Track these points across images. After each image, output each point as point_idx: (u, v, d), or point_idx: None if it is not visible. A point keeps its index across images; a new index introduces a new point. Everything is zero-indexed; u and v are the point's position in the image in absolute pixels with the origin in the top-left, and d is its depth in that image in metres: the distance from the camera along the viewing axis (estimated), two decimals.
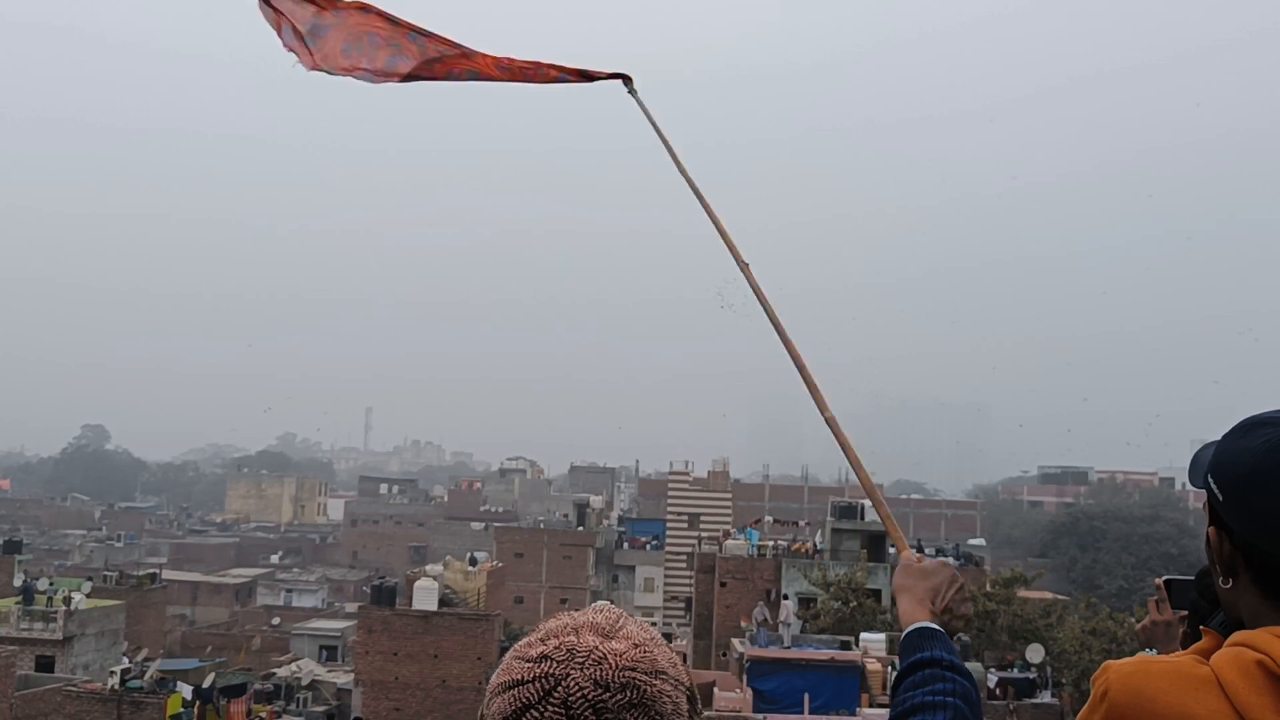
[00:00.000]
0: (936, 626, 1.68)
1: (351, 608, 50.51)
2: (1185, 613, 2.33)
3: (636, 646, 1.12)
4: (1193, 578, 2.30)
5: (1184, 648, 2.15)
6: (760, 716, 24.90)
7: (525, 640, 1.15)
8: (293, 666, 36.69)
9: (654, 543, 62.25)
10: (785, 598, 34.35)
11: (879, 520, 39.33)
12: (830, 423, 2.05)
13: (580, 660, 1.09)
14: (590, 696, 1.07)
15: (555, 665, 1.09)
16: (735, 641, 30.71)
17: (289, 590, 63.61)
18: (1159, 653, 2.31)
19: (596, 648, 1.10)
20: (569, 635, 1.12)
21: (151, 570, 52.28)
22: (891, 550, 38.43)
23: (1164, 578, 2.46)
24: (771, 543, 40.05)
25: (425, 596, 34.76)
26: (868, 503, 41.10)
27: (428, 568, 42.14)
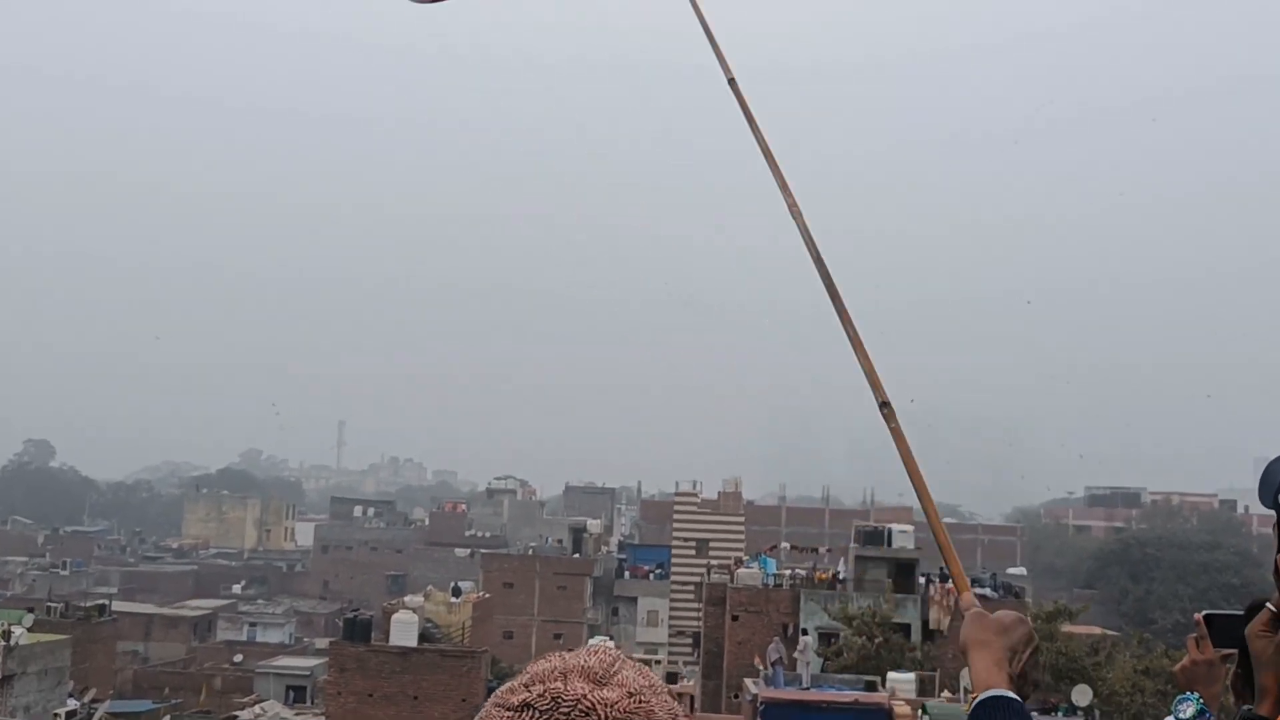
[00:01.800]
0: (1015, 696, 1.64)
1: (322, 643, 50.86)
2: (1231, 651, 2.25)
3: (631, 695, 1.09)
4: (1240, 611, 2.21)
5: (1233, 690, 2.09)
6: None
7: (508, 685, 1.12)
8: (257, 709, 36.64)
9: (658, 571, 62.46)
10: (804, 633, 34.30)
11: (908, 548, 39.69)
12: (886, 413, 2.03)
13: (566, 710, 1.06)
14: None
15: (538, 716, 1.06)
16: (748, 682, 30.83)
17: (253, 624, 63.72)
18: (1200, 696, 2.26)
19: (585, 696, 1.07)
20: (556, 681, 1.09)
21: (100, 601, 52.20)
22: (923, 580, 38.37)
23: (1204, 612, 2.38)
24: (789, 571, 40.15)
25: (404, 631, 34.77)
26: (896, 527, 41.67)
27: (407, 599, 42.14)
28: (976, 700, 1.64)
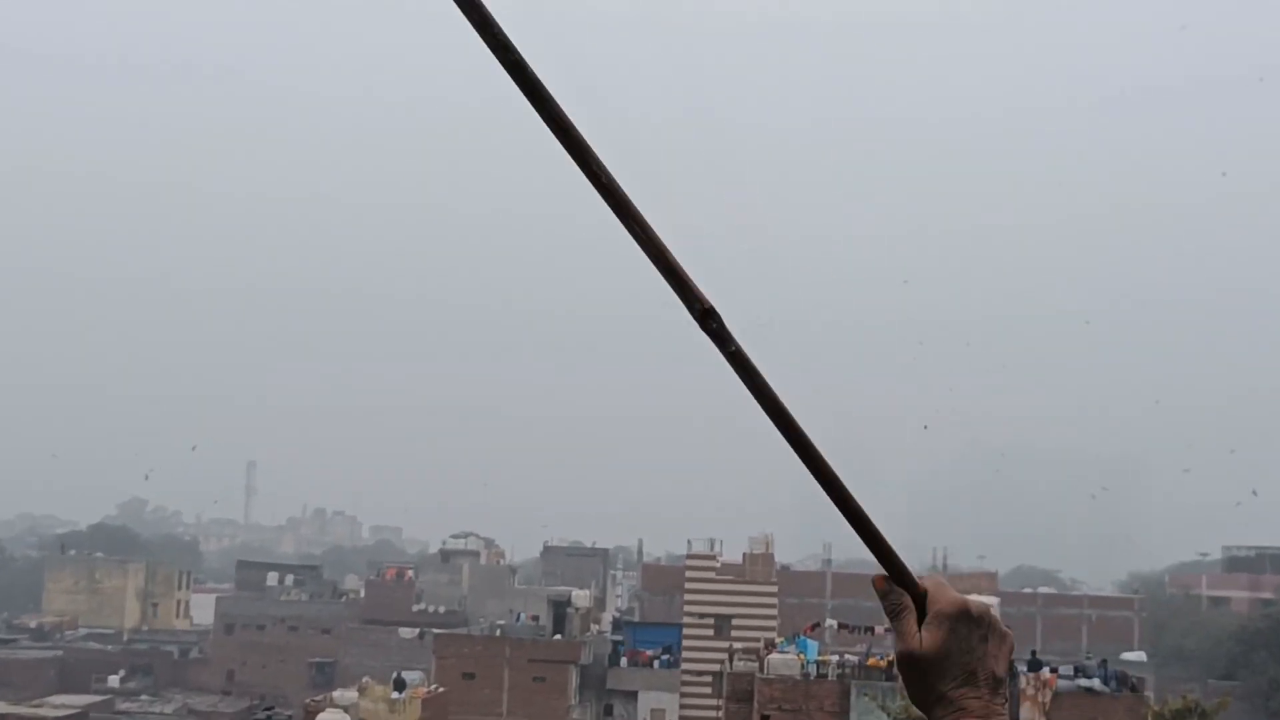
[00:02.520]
0: None
1: None
2: None
3: None
4: None
5: None
6: None
7: None
8: None
9: (665, 657, 62.67)
10: None
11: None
12: (712, 328, 1.66)
13: None
14: None
15: None
16: None
17: None
18: None
19: None
20: None
21: None
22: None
23: None
24: (836, 657, 40.21)
25: None
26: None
27: (336, 694, 42.20)
28: None
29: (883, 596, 1.81)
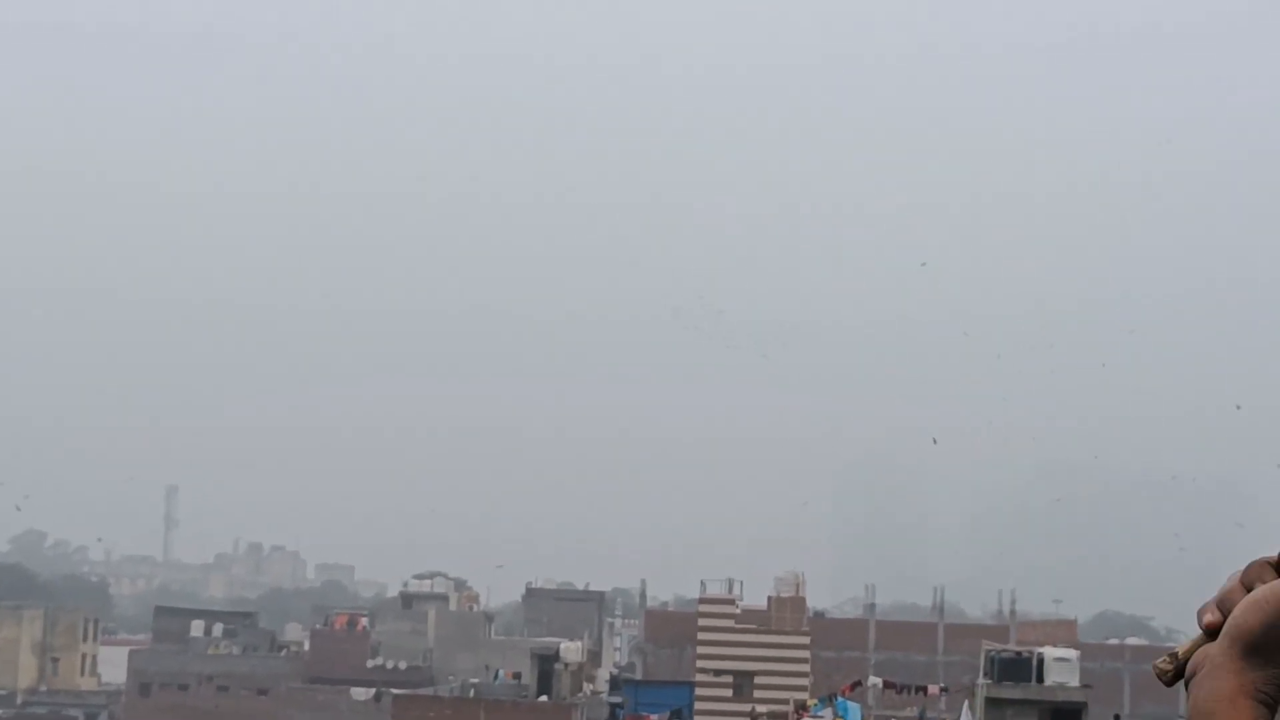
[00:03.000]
0: None
1: None
2: None
3: None
4: None
5: None
6: None
7: None
8: None
9: None
10: None
11: (1070, 684, 39.10)
12: None
13: None
14: None
15: None
16: None
17: None
18: None
19: None
20: None
21: None
22: None
23: None
24: None
25: None
26: (1051, 652, 41.78)
27: None
28: None
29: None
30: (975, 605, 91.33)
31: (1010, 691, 39.35)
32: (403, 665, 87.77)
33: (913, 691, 51.40)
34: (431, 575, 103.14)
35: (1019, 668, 40.44)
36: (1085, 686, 39.32)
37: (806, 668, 59.99)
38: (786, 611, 63.18)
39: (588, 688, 67.92)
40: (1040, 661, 40.29)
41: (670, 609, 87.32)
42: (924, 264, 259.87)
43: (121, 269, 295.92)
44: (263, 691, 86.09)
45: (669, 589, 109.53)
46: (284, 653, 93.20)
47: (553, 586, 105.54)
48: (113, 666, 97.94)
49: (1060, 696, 38.87)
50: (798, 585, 64.49)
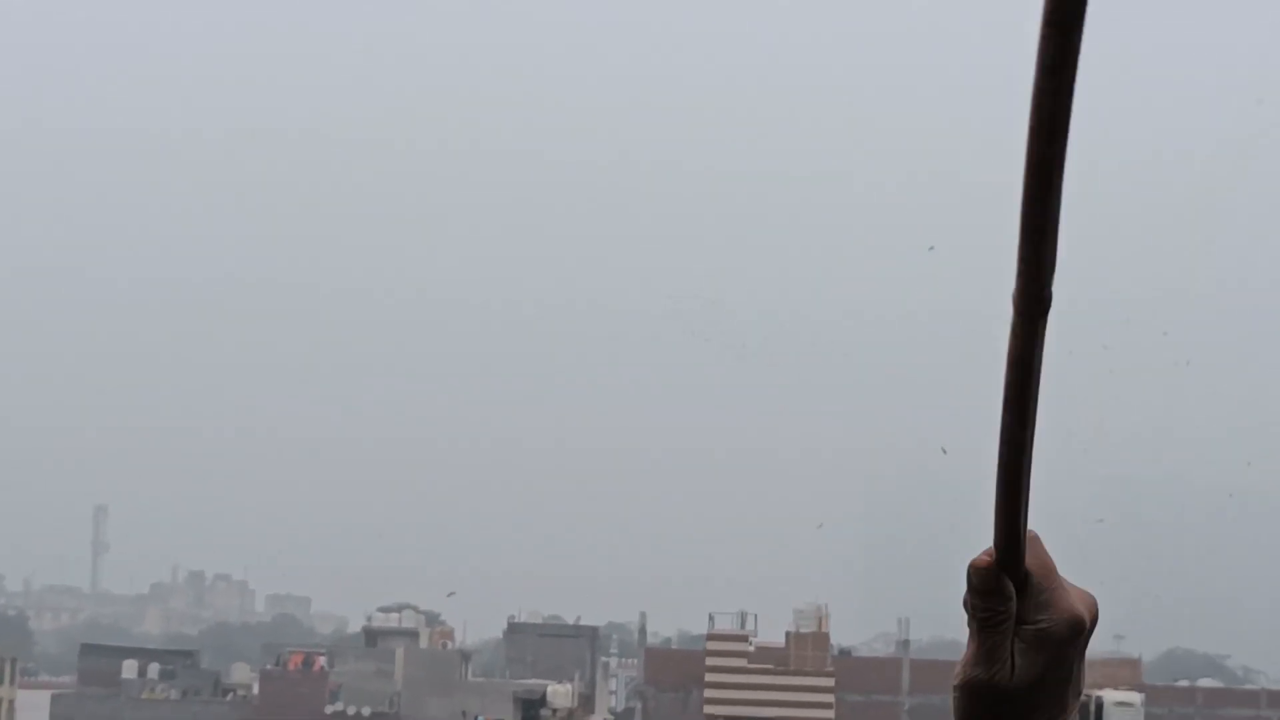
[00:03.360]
0: None
1: None
2: None
3: None
4: None
5: None
6: None
7: None
8: None
9: None
10: None
11: None
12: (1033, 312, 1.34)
13: None
14: None
15: None
16: None
17: None
18: None
19: None
20: None
21: None
22: None
23: None
24: None
25: None
26: (1111, 695, 41.27)
27: None
28: None
29: (982, 594, 1.46)
30: None
31: None
32: (366, 711, 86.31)
33: None
34: (399, 608, 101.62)
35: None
36: None
37: (831, 714, 59.60)
38: (807, 649, 61.92)
39: None
40: (1100, 706, 39.55)
41: (674, 646, 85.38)
42: (931, 248, 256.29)
43: (48, 257, 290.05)
44: None
45: (672, 623, 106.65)
46: (229, 697, 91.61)
47: (539, 620, 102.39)
48: (33, 712, 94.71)
49: None
50: (820, 619, 63.41)
